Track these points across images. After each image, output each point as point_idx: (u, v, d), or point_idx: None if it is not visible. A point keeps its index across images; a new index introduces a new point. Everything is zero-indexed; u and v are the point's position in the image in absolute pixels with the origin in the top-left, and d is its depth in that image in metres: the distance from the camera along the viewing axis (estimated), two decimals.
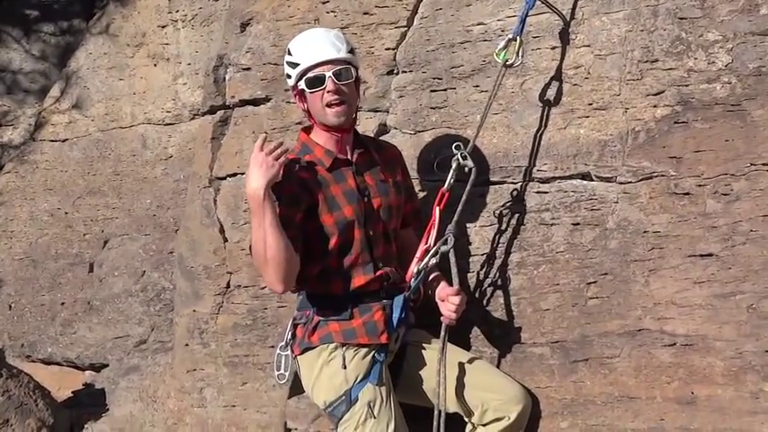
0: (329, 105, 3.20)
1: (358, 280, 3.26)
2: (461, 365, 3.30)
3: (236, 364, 4.22)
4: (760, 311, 3.08)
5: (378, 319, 3.25)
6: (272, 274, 3.13)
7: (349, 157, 3.32)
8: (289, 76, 3.29)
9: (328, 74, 3.17)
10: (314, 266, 3.25)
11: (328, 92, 3.18)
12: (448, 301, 3.21)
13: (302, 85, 3.22)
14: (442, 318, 3.23)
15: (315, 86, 3.19)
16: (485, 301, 3.59)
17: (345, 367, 3.21)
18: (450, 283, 3.26)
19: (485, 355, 3.53)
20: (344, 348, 3.23)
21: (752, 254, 3.10)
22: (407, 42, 3.89)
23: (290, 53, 3.28)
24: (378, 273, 3.28)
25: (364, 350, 3.24)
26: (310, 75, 3.19)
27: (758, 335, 3.08)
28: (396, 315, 3.26)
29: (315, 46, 3.21)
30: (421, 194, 3.70)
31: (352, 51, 3.28)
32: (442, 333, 3.22)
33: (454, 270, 3.21)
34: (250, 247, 3.27)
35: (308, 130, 3.40)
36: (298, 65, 3.22)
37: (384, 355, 3.26)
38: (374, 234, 3.30)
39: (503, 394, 3.27)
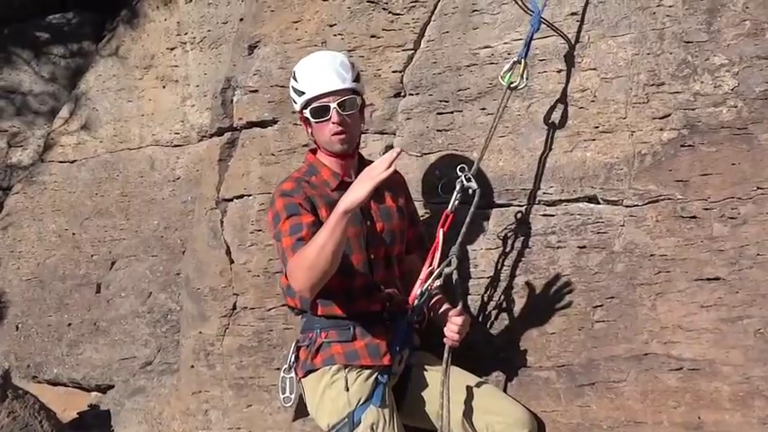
0: (333, 134, 3.22)
1: (360, 301, 3.25)
2: (466, 388, 3.28)
3: (242, 386, 4.22)
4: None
5: (380, 341, 3.24)
6: (308, 281, 3.01)
7: (354, 180, 3.32)
8: (294, 101, 3.32)
9: (333, 105, 3.18)
10: None
11: (333, 123, 3.20)
12: (451, 323, 3.20)
13: (307, 113, 3.25)
14: (444, 339, 3.22)
15: (320, 117, 3.22)
16: (490, 324, 3.57)
17: (348, 389, 3.19)
18: (454, 305, 3.25)
19: (490, 379, 3.52)
20: (347, 370, 3.21)
21: (759, 278, 3.08)
22: (414, 65, 3.90)
23: (295, 78, 3.30)
24: (379, 295, 3.28)
25: (367, 372, 3.22)
26: (315, 105, 3.21)
27: (766, 360, 3.05)
28: (398, 337, 3.26)
29: (320, 75, 3.22)
30: (427, 217, 3.70)
31: (357, 78, 3.29)
32: (445, 355, 3.20)
33: (457, 291, 3.21)
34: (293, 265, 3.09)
35: (315, 150, 3.42)
36: (303, 93, 3.24)
37: (387, 376, 3.24)
38: (375, 257, 3.30)
39: (508, 417, 3.25)
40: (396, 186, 3.50)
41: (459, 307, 3.21)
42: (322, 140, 3.28)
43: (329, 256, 2.95)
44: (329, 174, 3.31)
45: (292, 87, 3.31)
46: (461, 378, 3.31)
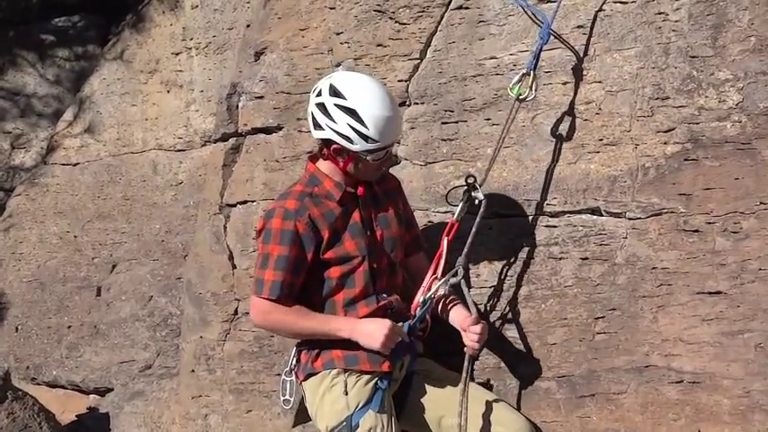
0: (377, 169, 3.28)
1: (361, 310, 3.26)
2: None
3: (242, 391, 4.22)
4: None
5: None
6: (268, 330, 3.65)
7: (355, 190, 3.32)
8: (348, 140, 3.12)
9: (390, 149, 3.27)
10: (318, 296, 3.27)
11: (384, 160, 3.25)
12: (469, 332, 3.21)
13: (367, 155, 3.16)
14: (465, 348, 3.22)
15: (378, 158, 3.21)
16: (491, 334, 3.57)
17: (347, 393, 3.20)
18: (467, 308, 3.25)
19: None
20: (347, 374, 3.23)
21: (760, 292, 3.10)
22: (420, 74, 3.91)
23: (360, 121, 3.10)
24: (381, 303, 3.28)
25: (367, 377, 3.23)
26: (381, 153, 3.20)
27: (766, 374, 3.07)
28: (399, 343, 3.25)
29: (392, 126, 3.17)
30: (430, 226, 3.71)
31: None
32: (465, 364, 3.19)
33: (469, 301, 3.21)
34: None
35: (314, 158, 3.39)
36: (375, 141, 3.11)
37: (387, 382, 3.25)
38: (378, 267, 3.30)
39: (508, 427, 3.25)
40: (393, 192, 3.50)
41: (475, 315, 3.21)
42: (360, 171, 3.25)
43: (302, 336, 3.32)
44: (332, 185, 3.29)
45: (354, 128, 3.09)
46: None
